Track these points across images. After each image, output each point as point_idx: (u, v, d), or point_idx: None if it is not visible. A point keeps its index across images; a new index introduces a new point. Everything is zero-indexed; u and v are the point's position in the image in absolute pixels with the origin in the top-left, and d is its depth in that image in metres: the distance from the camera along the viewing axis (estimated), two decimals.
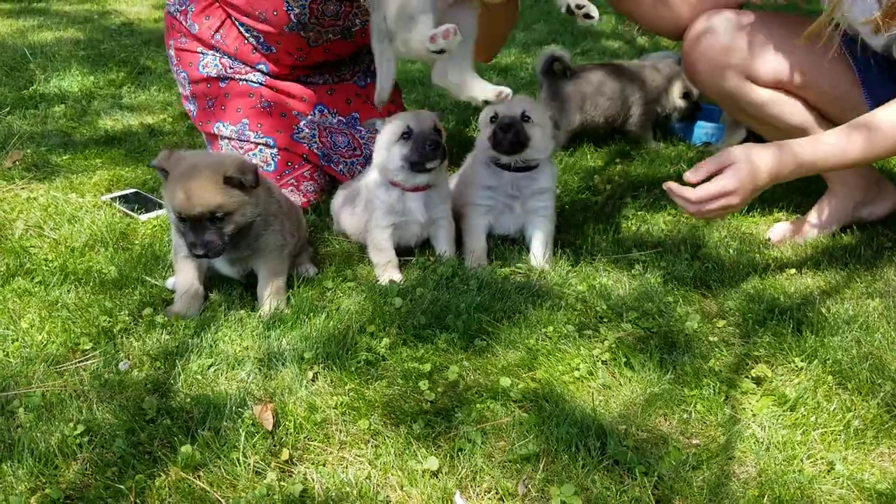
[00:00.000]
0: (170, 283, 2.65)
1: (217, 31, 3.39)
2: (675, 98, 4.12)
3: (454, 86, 2.68)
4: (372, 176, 2.86)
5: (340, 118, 3.47)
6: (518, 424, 2.00)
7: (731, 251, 2.91)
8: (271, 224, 2.52)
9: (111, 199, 3.35)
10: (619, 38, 6.67)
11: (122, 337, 2.36)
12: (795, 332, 2.37)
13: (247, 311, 2.51)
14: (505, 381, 2.14)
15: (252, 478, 1.83)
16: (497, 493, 1.81)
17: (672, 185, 2.38)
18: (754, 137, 3.51)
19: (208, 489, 1.80)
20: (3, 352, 2.29)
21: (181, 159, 2.39)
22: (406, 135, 2.70)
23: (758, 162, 2.35)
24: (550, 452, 1.91)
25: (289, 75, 3.46)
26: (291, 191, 3.31)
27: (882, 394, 2.09)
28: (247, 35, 3.34)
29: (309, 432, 1.98)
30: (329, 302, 2.57)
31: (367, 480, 1.84)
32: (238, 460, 1.87)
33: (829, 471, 1.87)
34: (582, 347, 2.31)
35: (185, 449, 1.87)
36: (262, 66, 3.42)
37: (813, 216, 3.06)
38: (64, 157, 3.85)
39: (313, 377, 2.19)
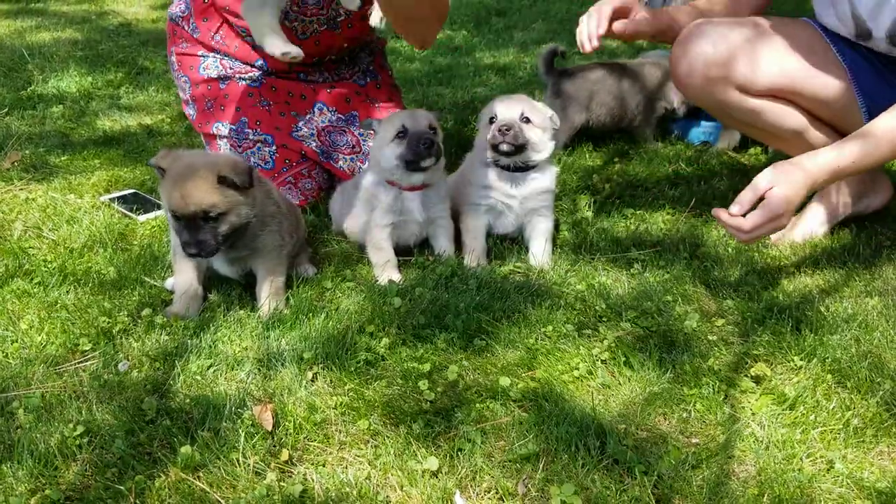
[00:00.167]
0: (169, 283, 2.65)
1: (216, 31, 3.40)
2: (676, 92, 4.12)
3: (253, 28, 2.73)
4: (370, 175, 2.86)
5: (340, 116, 3.47)
6: (518, 424, 2.00)
7: (729, 250, 2.91)
8: (268, 224, 2.52)
9: (110, 199, 3.35)
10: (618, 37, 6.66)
11: (121, 338, 2.36)
12: (794, 330, 2.38)
13: (246, 312, 2.51)
14: (504, 381, 2.14)
15: (252, 478, 1.83)
16: (497, 493, 1.81)
17: (722, 215, 2.40)
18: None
19: (208, 490, 1.80)
20: (3, 353, 2.29)
21: (178, 158, 2.39)
22: (401, 134, 2.70)
23: (792, 179, 2.38)
24: (550, 452, 1.91)
25: (288, 73, 3.46)
26: (289, 188, 3.31)
27: (881, 392, 2.09)
28: (243, 34, 3.34)
29: (308, 433, 1.98)
30: (328, 302, 2.57)
31: (367, 481, 1.84)
32: (238, 461, 1.87)
33: (828, 469, 1.88)
34: (581, 347, 2.31)
35: (185, 450, 1.87)
36: (261, 63, 3.42)
37: (810, 212, 3.06)
38: (62, 158, 3.85)
39: (313, 377, 2.19)
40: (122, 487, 1.79)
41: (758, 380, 2.18)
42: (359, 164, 3.42)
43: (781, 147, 3.05)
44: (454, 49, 6.44)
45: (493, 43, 6.61)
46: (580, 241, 3.02)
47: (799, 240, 3.00)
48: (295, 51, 2.63)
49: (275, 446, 1.94)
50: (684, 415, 2.06)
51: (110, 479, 1.82)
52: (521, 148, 2.77)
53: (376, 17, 3.27)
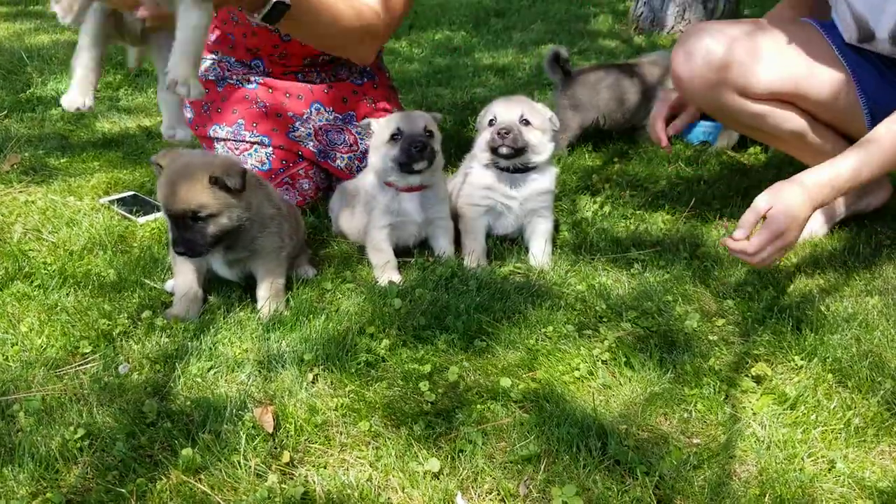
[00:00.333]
0: (169, 285, 2.64)
1: (212, 32, 3.40)
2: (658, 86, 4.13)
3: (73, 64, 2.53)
4: (369, 176, 2.86)
5: (337, 115, 3.47)
6: (519, 425, 2.00)
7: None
8: (267, 227, 2.52)
9: (109, 201, 3.35)
10: (616, 38, 6.68)
11: (121, 340, 2.36)
12: (795, 330, 2.38)
13: (246, 314, 2.51)
14: (505, 382, 2.14)
15: (253, 480, 1.83)
16: (499, 494, 1.81)
17: (729, 242, 2.39)
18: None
19: (209, 492, 1.80)
20: (3, 356, 2.29)
21: (176, 157, 2.40)
22: (396, 136, 2.70)
23: (791, 196, 2.38)
24: (551, 453, 1.91)
25: (286, 73, 3.46)
26: (287, 189, 3.31)
27: (882, 391, 2.09)
28: (232, 39, 3.36)
29: (309, 434, 1.98)
30: (328, 303, 2.57)
31: (369, 482, 1.84)
32: (239, 463, 1.87)
33: (829, 469, 1.87)
34: (582, 347, 2.31)
35: (186, 452, 1.87)
36: (258, 63, 3.43)
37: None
38: (62, 160, 3.85)
39: (313, 379, 2.19)
40: (123, 490, 1.79)
41: (758, 380, 2.18)
42: (356, 162, 3.42)
43: (783, 148, 3.05)
44: (453, 49, 6.45)
45: (492, 43, 6.62)
46: (580, 241, 3.02)
47: (799, 239, 3.00)
48: (86, 108, 2.42)
49: (276, 448, 1.94)
50: (685, 415, 2.06)
51: (111, 481, 1.82)
52: (520, 151, 2.78)
53: None
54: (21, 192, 3.46)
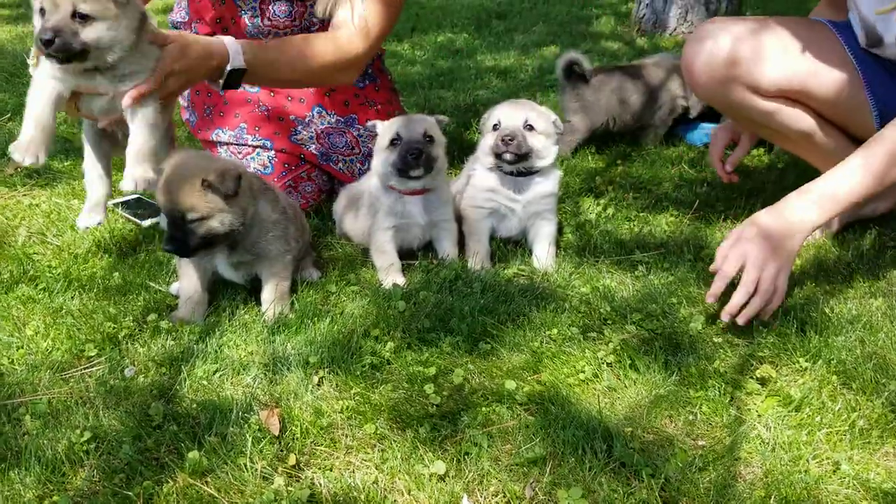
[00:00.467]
0: (174, 288, 2.65)
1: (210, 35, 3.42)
2: (675, 89, 4.14)
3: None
4: (373, 179, 2.87)
5: (339, 118, 3.48)
6: (524, 427, 2.01)
7: None
8: (270, 231, 2.52)
9: (113, 205, 3.35)
10: (619, 39, 6.68)
11: (127, 343, 2.36)
12: (799, 332, 2.37)
13: (251, 316, 2.52)
14: (510, 384, 2.15)
15: (260, 483, 1.83)
16: (505, 497, 1.82)
17: (725, 317, 2.36)
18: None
19: (216, 495, 1.80)
20: (9, 359, 2.29)
21: (179, 157, 2.42)
22: (395, 141, 2.71)
23: (764, 224, 2.40)
24: (557, 455, 1.91)
25: None
26: (290, 192, 3.32)
27: (886, 393, 2.09)
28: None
29: (315, 437, 1.99)
30: (333, 306, 2.57)
31: (375, 485, 1.84)
32: (245, 466, 1.87)
33: (834, 471, 1.88)
34: (586, 350, 2.31)
35: (193, 455, 1.87)
36: None
37: None
38: (65, 164, 3.85)
39: (318, 382, 2.19)
40: (130, 493, 1.80)
41: (763, 381, 2.18)
42: (357, 165, 3.43)
43: (790, 148, 3.05)
44: (455, 52, 6.45)
45: (494, 46, 6.62)
46: (584, 243, 3.02)
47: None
48: (27, 163, 2.45)
49: (282, 451, 1.94)
50: (690, 417, 2.06)
51: (118, 484, 1.82)
52: (524, 156, 2.78)
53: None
54: (25, 195, 3.47)
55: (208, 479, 1.85)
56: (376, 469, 1.89)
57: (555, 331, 2.39)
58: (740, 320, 2.35)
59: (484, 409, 2.08)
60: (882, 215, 3.11)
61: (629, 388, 2.16)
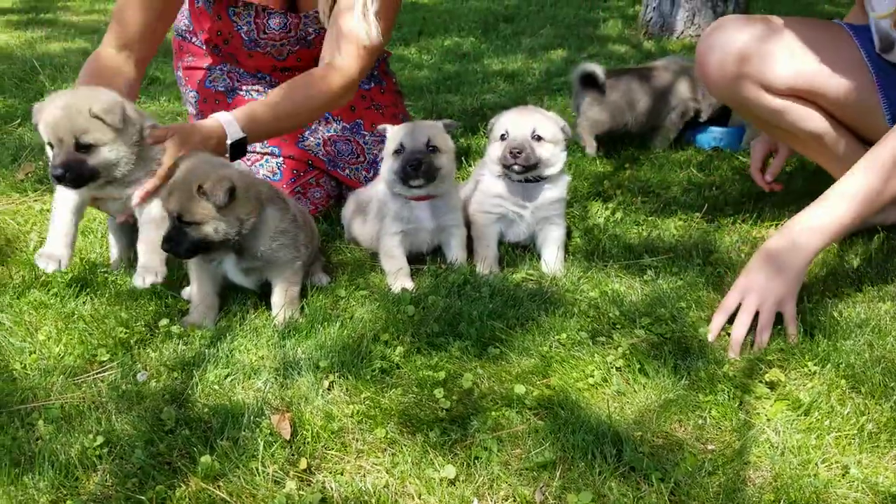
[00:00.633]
0: (185, 293, 2.66)
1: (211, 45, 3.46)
2: (686, 92, 4.15)
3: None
4: (381, 184, 2.88)
5: (345, 125, 3.50)
6: (534, 432, 2.02)
7: (742, 256, 2.92)
8: (278, 239, 2.52)
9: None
10: (626, 43, 6.69)
11: (139, 348, 2.38)
12: (808, 336, 2.38)
13: (262, 321, 2.53)
14: (519, 389, 2.15)
15: (271, 487, 1.84)
16: (515, 501, 1.82)
17: (732, 355, 2.35)
18: None
19: (228, 499, 1.82)
20: (21, 364, 2.31)
21: (191, 161, 2.46)
22: (399, 150, 2.72)
23: (768, 246, 2.43)
24: (567, 460, 1.92)
25: None
26: (298, 198, 3.33)
27: (895, 397, 2.09)
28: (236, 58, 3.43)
29: (326, 441, 2.00)
30: (342, 310, 2.58)
31: (385, 489, 1.85)
32: (257, 470, 1.88)
33: (843, 475, 1.88)
34: (596, 354, 2.31)
35: (205, 459, 1.88)
36: (265, 75, 3.47)
37: None
38: None
39: (329, 386, 2.20)
40: (142, 497, 1.81)
41: (772, 385, 2.18)
42: (363, 173, 3.44)
43: (800, 149, 3.04)
44: (462, 56, 6.46)
45: (502, 49, 6.63)
46: (592, 247, 3.03)
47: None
48: (50, 269, 2.59)
49: (293, 455, 1.95)
50: (700, 421, 2.06)
51: (131, 489, 1.83)
52: (532, 167, 2.79)
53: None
54: (36, 200, 3.49)
55: (220, 484, 1.86)
56: (387, 473, 1.90)
57: (564, 335, 2.39)
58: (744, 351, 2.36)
59: (493, 413, 2.09)
60: (893, 225, 3.10)
61: (638, 393, 2.17)
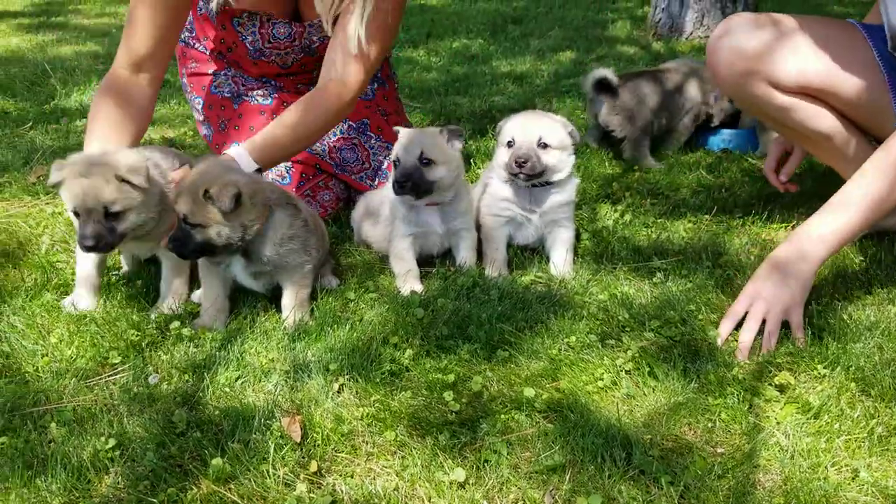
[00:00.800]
0: (196, 296, 2.68)
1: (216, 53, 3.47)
2: (695, 94, 4.15)
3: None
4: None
5: (351, 124, 3.51)
6: (543, 435, 2.02)
7: (752, 258, 2.91)
8: (287, 244, 2.53)
9: None
10: (635, 44, 6.68)
11: (150, 350, 2.39)
12: (817, 339, 2.38)
13: (272, 324, 2.54)
14: (529, 392, 2.16)
15: (282, 490, 1.85)
16: None
17: (740, 357, 2.35)
18: None
19: (239, 502, 1.82)
20: (34, 367, 2.33)
21: (204, 164, 2.50)
22: (396, 163, 2.73)
23: (775, 255, 2.43)
24: (576, 463, 1.92)
25: (298, 87, 3.51)
26: (308, 201, 3.34)
27: None
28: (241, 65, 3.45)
29: (336, 444, 2.00)
30: (352, 313, 2.59)
31: (395, 492, 1.86)
32: (268, 472, 1.89)
33: (853, 478, 1.88)
34: (605, 357, 2.32)
35: (216, 462, 1.89)
36: (270, 80, 3.49)
37: None
38: None
39: (339, 388, 2.21)
40: (154, 500, 1.82)
41: (782, 389, 2.18)
42: (367, 181, 3.45)
43: (808, 148, 3.04)
44: (471, 58, 6.47)
45: (510, 51, 6.64)
46: (601, 250, 3.03)
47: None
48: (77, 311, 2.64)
49: (304, 457, 1.96)
50: (709, 424, 2.06)
51: (143, 491, 1.84)
52: (538, 175, 2.80)
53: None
54: (48, 203, 3.51)
55: (231, 486, 1.87)
56: (397, 476, 1.91)
57: (573, 338, 2.40)
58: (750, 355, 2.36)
59: (503, 416, 2.10)
60: None
61: (648, 396, 2.17)
